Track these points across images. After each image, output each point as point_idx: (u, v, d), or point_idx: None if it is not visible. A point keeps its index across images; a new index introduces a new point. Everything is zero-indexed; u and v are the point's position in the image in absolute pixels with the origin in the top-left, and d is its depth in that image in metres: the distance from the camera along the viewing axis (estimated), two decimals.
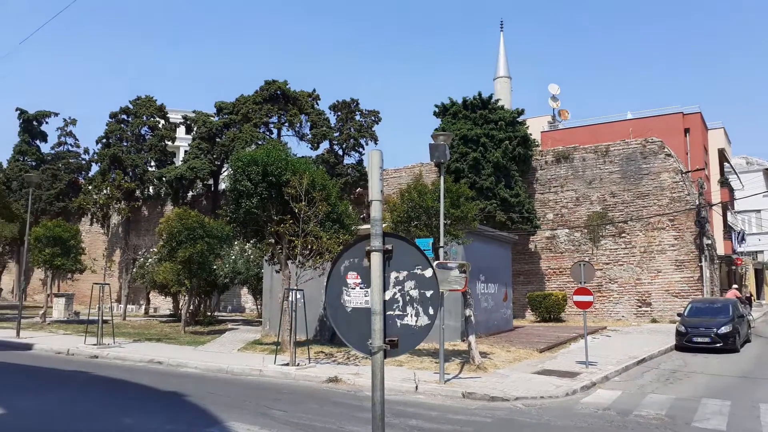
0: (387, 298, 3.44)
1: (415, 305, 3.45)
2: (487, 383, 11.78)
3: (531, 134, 30.57)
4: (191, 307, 24.92)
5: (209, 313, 28.48)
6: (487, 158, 27.70)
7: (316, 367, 13.92)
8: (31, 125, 43.17)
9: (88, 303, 30.26)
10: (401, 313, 3.46)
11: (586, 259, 25.44)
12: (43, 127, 43.91)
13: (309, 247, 15.41)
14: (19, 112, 42.73)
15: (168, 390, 11.35)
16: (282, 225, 15.73)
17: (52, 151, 43.98)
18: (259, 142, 33.25)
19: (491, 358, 15.22)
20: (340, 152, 36.05)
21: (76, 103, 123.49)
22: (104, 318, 17.96)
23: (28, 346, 18.11)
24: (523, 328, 24.48)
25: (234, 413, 9.26)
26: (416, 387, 11.35)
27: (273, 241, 17.19)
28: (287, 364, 13.80)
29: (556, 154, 30.59)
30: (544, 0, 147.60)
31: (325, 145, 36.25)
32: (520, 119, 29.81)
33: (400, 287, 3.49)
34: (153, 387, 11.76)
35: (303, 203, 15.26)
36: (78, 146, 44.70)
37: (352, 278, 3.60)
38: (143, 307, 35.13)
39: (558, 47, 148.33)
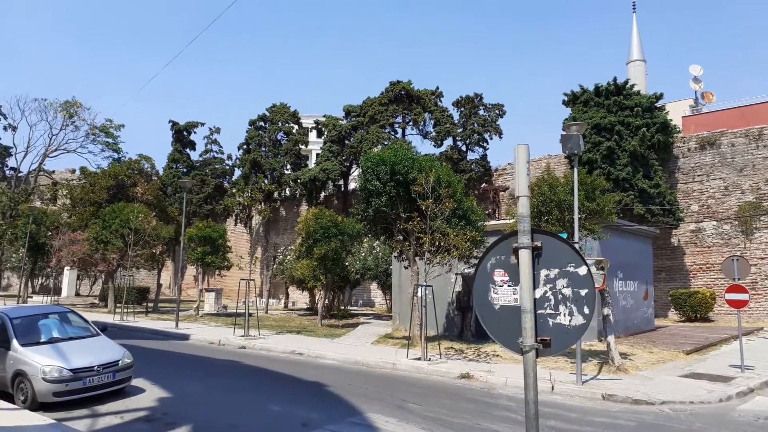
0: (537, 296, 3.40)
1: (568, 304, 3.37)
2: (629, 386, 11.13)
3: (671, 120, 28.21)
4: (326, 302, 26.18)
5: (342, 307, 29.71)
6: (623, 147, 26.03)
7: (447, 362, 14.01)
8: (181, 135, 47.70)
9: (235, 297, 32.91)
10: (553, 311, 3.41)
11: (738, 253, 23.00)
12: (192, 137, 48.32)
13: (436, 243, 15.55)
14: (171, 123, 47.45)
15: (310, 380, 12.06)
16: (410, 222, 16.04)
17: (200, 158, 48.27)
18: (385, 143, 34.04)
19: (632, 359, 14.35)
20: (464, 148, 35.80)
21: (219, 113, 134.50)
22: (249, 311, 19.45)
23: (185, 336, 20.08)
24: (666, 328, 22.75)
25: (372, 405, 9.62)
26: (552, 387, 11.01)
27: (401, 238, 17.55)
28: (419, 359, 14.05)
29: (700, 140, 27.96)
30: None
31: (448, 142, 36.24)
32: (658, 104, 27.61)
33: (551, 285, 3.43)
34: (296, 377, 12.55)
35: (430, 200, 15.44)
36: (222, 152, 48.64)
37: (500, 276, 3.60)
38: (282, 301, 37.49)
39: (698, 25, 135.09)
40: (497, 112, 35.10)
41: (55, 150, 54.53)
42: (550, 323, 3.44)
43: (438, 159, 24.05)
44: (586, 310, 3.37)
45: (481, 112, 35.37)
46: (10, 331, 10.05)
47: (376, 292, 36.54)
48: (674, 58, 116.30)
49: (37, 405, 9.15)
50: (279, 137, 42.49)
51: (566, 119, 27.79)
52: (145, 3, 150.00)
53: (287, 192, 43.14)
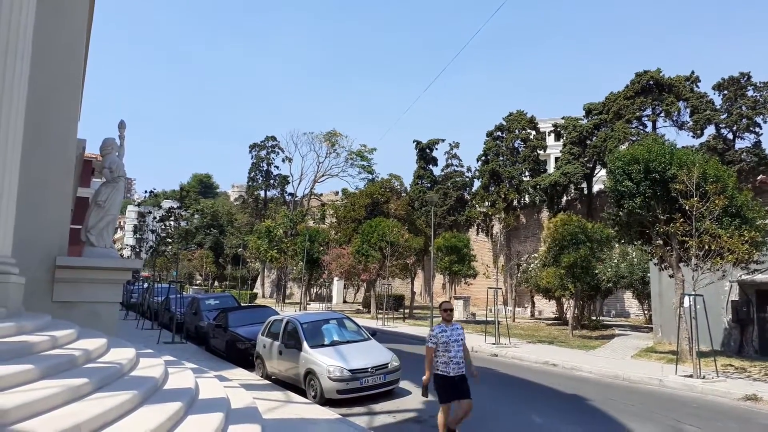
0: None
1: None
2: None
3: None
4: (576, 311, 25.13)
5: (593, 318, 28.17)
6: None
7: (726, 381, 12.37)
8: (424, 153, 50.71)
9: (482, 305, 33.54)
10: None
11: None
12: (434, 153, 51.05)
13: (705, 247, 13.78)
14: (415, 143, 50.81)
15: (569, 393, 11.72)
16: (671, 224, 14.55)
17: (442, 173, 50.64)
18: (633, 139, 31.49)
19: None
20: (730, 136, 31.18)
21: (458, 128, 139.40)
22: (498, 319, 19.69)
23: None
24: None
25: (643, 424, 8.97)
26: None
27: (661, 242, 16.03)
28: (690, 376, 12.65)
29: None
30: None
31: (709, 131, 31.95)
32: None
33: None
34: (553, 388, 12.31)
35: (694, 199, 13.83)
36: (461, 166, 50.34)
37: None
38: (528, 309, 37.04)
39: None
40: None
41: (322, 175, 62.90)
42: None
43: (699, 151, 21.39)
44: None
45: (750, 93, 30.52)
46: (302, 334, 11.71)
47: (630, 302, 33.78)
48: None
49: (324, 400, 10.39)
50: (516, 145, 42.38)
51: None
52: (379, 39, 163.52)
53: (526, 199, 42.67)
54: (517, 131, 42.15)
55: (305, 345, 11.40)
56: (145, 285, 34.79)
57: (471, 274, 31.73)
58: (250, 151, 65.90)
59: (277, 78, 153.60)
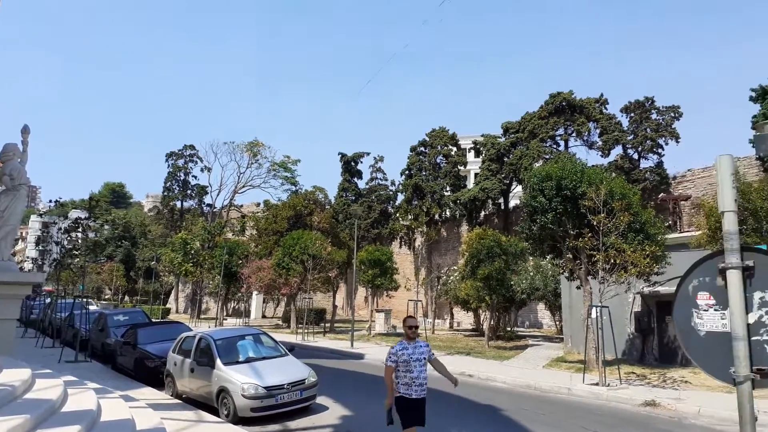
0: (751, 321, 3.05)
1: None
2: None
3: None
4: (492, 322, 25.79)
5: (509, 329, 29.03)
6: None
7: (629, 388, 13.04)
8: (349, 166, 50.77)
9: (403, 318, 33.78)
10: None
11: None
12: (359, 166, 51.18)
13: (611, 261, 14.55)
14: (340, 156, 50.81)
15: (484, 403, 11.92)
16: (580, 239, 15.24)
17: (366, 186, 50.83)
18: (546, 157, 32.97)
19: None
20: (635, 156, 33.34)
21: (383, 142, 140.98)
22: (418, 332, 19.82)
23: (360, 356, 21.03)
24: None
25: None
26: (756, 418, 9.62)
27: (571, 256, 16.75)
28: (596, 384, 13.23)
29: None
30: None
31: (617, 151, 34.04)
32: None
33: (767, 309, 3.05)
34: (469, 399, 12.47)
35: (602, 215, 14.57)
36: (386, 179, 50.72)
37: (704, 299, 3.29)
38: (447, 321, 37.67)
39: None
40: (672, 114, 32.31)
41: (243, 186, 61.37)
42: None
43: (607, 170, 22.66)
44: None
45: (654, 116, 32.81)
46: (215, 351, 11.28)
47: (543, 313, 35.16)
48: None
49: (237, 419, 10.04)
50: (438, 160, 43.32)
51: (756, 117, 24.70)
52: (307, 51, 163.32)
53: (447, 213, 43.63)
54: (439, 147, 43.12)
55: (218, 362, 11.00)
56: (48, 300, 32.44)
57: (393, 286, 31.88)
58: (167, 160, 63.43)
59: (199, 84, 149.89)
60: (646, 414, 10.86)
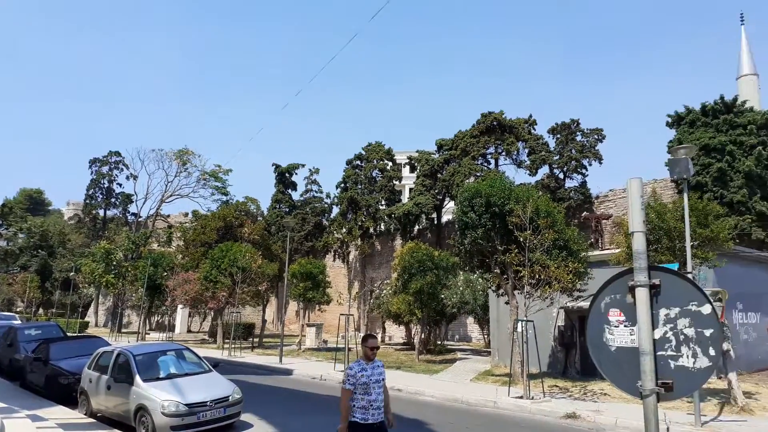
0: (657, 337, 3.19)
1: (691, 345, 3.13)
2: (756, 428, 10.07)
3: None
4: (423, 336, 25.99)
5: (439, 342, 29.34)
6: (736, 168, 24.15)
7: (552, 401, 13.40)
8: (284, 177, 50.09)
9: (335, 332, 33.50)
10: (675, 353, 3.17)
11: None
12: (294, 178, 50.62)
13: (536, 276, 15.03)
14: (274, 167, 50.06)
15: (411, 417, 11.92)
16: (507, 255, 15.67)
17: (301, 198, 50.33)
18: (477, 174, 33.81)
19: (757, 398, 13.02)
20: (561, 176, 34.77)
21: (319, 154, 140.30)
22: (348, 346, 19.70)
23: (289, 372, 20.62)
24: None
25: None
26: (667, 429, 10.17)
27: (499, 271, 17.18)
28: (521, 397, 13.54)
29: None
30: None
31: (544, 170, 35.39)
32: None
33: (671, 325, 3.20)
34: (396, 414, 12.40)
35: (528, 232, 15.04)
36: (321, 192, 50.45)
37: (615, 315, 3.42)
38: (379, 335, 37.64)
39: None
40: (596, 137, 33.92)
41: (171, 195, 59.20)
42: (672, 366, 3.19)
43: (534, 188, 23.49)
44: (712, 352, 3.10)
45: (579, 138, 34.33)
46: (134, 367, 10.77)
47: (472, 327, 35.81)
48: None
49: None
50: (374, 174, 43.52)
51: (671, 141, 26.37)
52: (238, 57, 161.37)
53: (382, 227, 43.85)
54: (375, 161, 43.38)
55: (137, 378, 10.51)
56: None
57: (325, 300, 31.56)
58: (90, 167, 60.53)
59: (128, 88, 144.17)
60: (567, 426, 11.20)
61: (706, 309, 3.13)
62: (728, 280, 15.86)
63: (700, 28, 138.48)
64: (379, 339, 36.94)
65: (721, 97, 25.91)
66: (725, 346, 12.21)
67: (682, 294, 3.24)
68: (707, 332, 3.16)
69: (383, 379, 6.27)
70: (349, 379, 6.06)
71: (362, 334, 31.49)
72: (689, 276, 11.71)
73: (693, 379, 3.21)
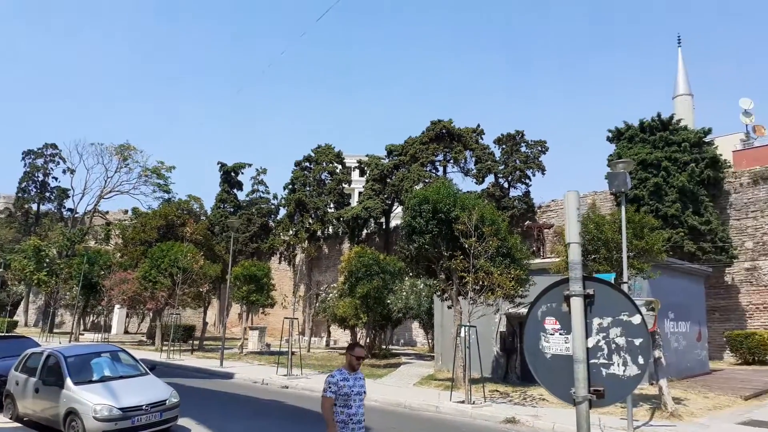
0: (590, 345, 3.32)
1: (622, 354, 3.28)
2: None
3: (721, 155, 27.39)
4: (368, 340, 26.03)
5: (384, 347, 29.44)
6: (671, 183, 25.38)
7: (492, 406, 13.65)
8: (229, 176, 49.20)
9: (278, 336, 33.09)
10: (607, 361, 3.31)
11: None
12: (240, 178, 49.76)
13: (480, 282, 15.32)
14: (220, 165, 49.10)
15: None
16: (453, 261, 15.91)
17: (247, 198, 49.53)
18: (426, 181, 34.22)
19: (686, 404, 13.67)
20: (506, 185, 35.62)
21: (266, 155, 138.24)
22: (292, 350, 19.50)
23: (229, 375, 20.23)
24: (722, 371, 21.58)
25: None
26: None
27: (444, 276, 17.41)
28: (462, 402, 13.73)
29: (753, 175, 26.98)
30: (722, 8, 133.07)
31: (490, 179, 36.16)
32: (707, 139, 26.95)
33: (604, 334, 3.34)
34: None
35: (473, 239, 15.31)
36: (268, 193, 49.86)
37: (551, 324, 3.54)
38: (324, 339, 37.43)
39: (747, 57, 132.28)
40: (540, 148, 34.92)
41: (110, 192, 56.95)
42: (604, 373, 3.34)
43: (480, 196, 23.95)
44: (641, 360, 3.26)
45: (523, 149, 35.26)
46: (65, 369, 10.34)
47: (417, 332, 36.13)
48: (723, 92, 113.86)
49: None
50: (323, 177, 43.32)
51: (611, 155, 27.40)
52: (188, 53, 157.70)
53: (330, 230, 43.66)
54: (324, 164, 43.18)
55: (68, 381, 10.09)
56: None
57: (269, 303, 31.13)
58: (24, 159, 57.73)
59: (69, 76, 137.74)
60: (506, 430, 11.45)
61: (636, 319, 3.29)
62: (661, 291, 16.60)
63: (639, 48, 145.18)
64: (324, 343, 36.76)
65: (658, 115, 27.18)
66: (657, 353, 12.79)
67: (615, 304, 3.39)
68: (637, 341, 3.30)
69: (364, 392, 5.92)
70: (330, 387, 5.70)
71: (306, 338, 31.11)
72: (625, 286, 12.27)
73: (623, 386, 3.35)
